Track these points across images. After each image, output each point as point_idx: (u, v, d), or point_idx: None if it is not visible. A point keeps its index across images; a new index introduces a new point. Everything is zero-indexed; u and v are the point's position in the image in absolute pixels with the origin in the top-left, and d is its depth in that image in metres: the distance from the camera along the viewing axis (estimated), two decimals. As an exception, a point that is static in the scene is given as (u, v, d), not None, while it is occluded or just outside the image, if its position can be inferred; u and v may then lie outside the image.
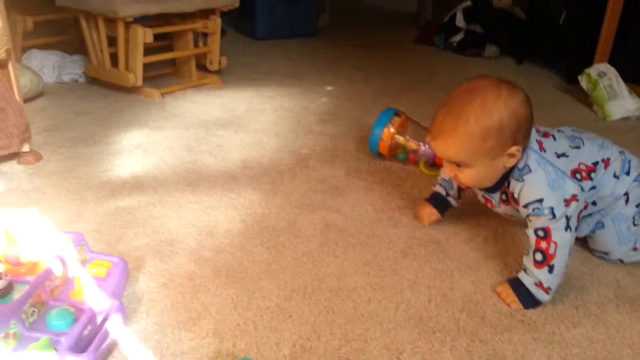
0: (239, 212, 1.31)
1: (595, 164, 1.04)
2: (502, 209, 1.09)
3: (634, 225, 1.08)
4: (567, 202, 0.96)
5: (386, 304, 0.99)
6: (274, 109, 2.10)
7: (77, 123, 1.88)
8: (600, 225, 1.10)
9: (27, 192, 1.37)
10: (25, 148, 1.53)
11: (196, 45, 2.42)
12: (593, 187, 1.05)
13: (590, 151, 1.05)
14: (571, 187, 0.97)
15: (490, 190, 1.07)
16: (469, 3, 3.06)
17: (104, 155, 1.62)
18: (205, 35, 2.42)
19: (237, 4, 2.39)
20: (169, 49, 2.46)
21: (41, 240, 0.93)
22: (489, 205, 1.12)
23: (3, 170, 1.48)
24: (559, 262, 0.95)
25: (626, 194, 1.07)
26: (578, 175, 1.02)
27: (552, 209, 0.95)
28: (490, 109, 0.93)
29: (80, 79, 2.41)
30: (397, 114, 1.58)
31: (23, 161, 1.53)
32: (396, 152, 1.60)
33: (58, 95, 2.19)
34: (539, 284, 0.96)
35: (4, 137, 1.42)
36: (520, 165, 0.99)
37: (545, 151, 1.00)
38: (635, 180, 1.07)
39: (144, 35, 2.07)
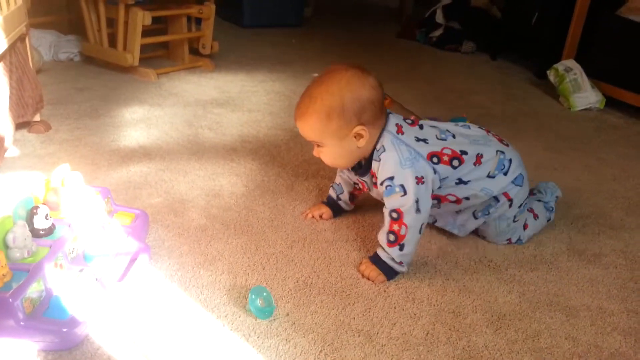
0: (241, 179, 1.45)
1: (464, 152, 1.07)
2: (374, 192, 1.13)
3: (514, 221, 1.16)
4: (418, 180, 1.02)
5: (374, 251, 1.15)
6: (266, 91, 2.24)
7: (78, 98, 1.98)
8: (485, 224, 1.17)
9: (43, 157, 1.49)
10: (37, 118, 1.64)
11: (189, 30, 2.53)
12: (460, 181, 1.08)
13: (459, 143, 1.08)
14: (422, 168, 1.03)
15: (361, 173, 1.12)
16: (448, 1, 3.24)
17: (109, 127, 1.73)
18: (198, 20, 2.53)
19: (230, -9, 2.51)
20: (164, 32, 2.57)
21: (76, 190, 1.05)
22: (365, 189, 1.17)
23: (17, 138, 1.58)
24: (409, 241, 1.03)
25: (510, 200, 1.12)
26: (435, 159, 1.05)
27: (402, 186, 1.01)
28: (333, 90, 1.01)
29: (76, 57, 2.50)
30: (383, 96, 1.73)
31: (34, 130, 1.64)
32: (381, 131, 1.76)
33: (56, 72, 2.28)
34: (393, 259, 1.05)
35: (20, 106, 1.52)
36: (378, 146, 1.05)
37: (403, 134, 1.05)
38: (513, 182, 1.11)
39: (143, 18, 2.17)
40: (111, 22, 2.30)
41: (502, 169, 1.10)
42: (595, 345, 0.94)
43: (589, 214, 1.39)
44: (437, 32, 3.25)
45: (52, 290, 0.88)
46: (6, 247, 0.88)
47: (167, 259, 1.08)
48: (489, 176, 1.10)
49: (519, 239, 1.20)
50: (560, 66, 2.40)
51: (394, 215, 1.03)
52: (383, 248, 1.05)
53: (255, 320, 0.93)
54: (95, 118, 1.80)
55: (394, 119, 1.07)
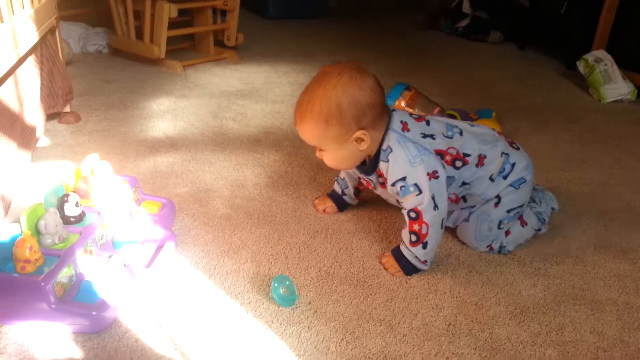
0: (265, 170, 1.46)
1: (467, 155, 1.04)
2: (380, 191, 1.12)
3: (499, 228, 1.09)
4: (430, 176, 0.99)
5: (396, 243, 1.15)
6: (290, 82, 2.24)
7: (107, 90, 2.02)
8: (466, 218, 1.12)
9: (73, 147, 1.53)
10: (67, 109, 1.68)
11: (214, 22, 2.56)
12: (464, 183, 1.06)
13: (465, 142, 1.04)
14: (434, 162, 1.00)
15: (367, 172, 1.09)
16: (476, -10, 3.20)
17: (137, 118, 1.77)
18: (223, 12, 2.55)
19: (255, -17, 2.52)
20: (190, 24, 2.59)
21: (105, 179, 1.08)
22: (370, 187, 1.14)
23: (47, 128, 1.63)
24: (431, 239, 1.01)
25: (498, 196, 1.07)
26: (440, 157, 1.03)
27: (416, 185, 0.99)
28: (329, 95, 0.97)
29: (104, 50, 2.55)
30: (407, 88, 1.73)
31: (64, 121, 1.68)
32: (405, 123, 1.75)
33: (85, 64, 2.33)
34: (417, 258, 1.03)
35: (51, 97, 1.56)
36: (384, 147, 1.02)
37: (408, 130, 1.02)
38: (511, 185, 1.07)
39: (169, 10, 2.20)
40: (138, 15, 2.33)
41: (501, 172, 1.07)
42: (622, 340, 0.92)
43: (617, 208, 1.36)
44: (464, 22, 3.20)
45: (82, 275, 0.91)
46: (38, 233, 0.91)
47: (193, 246, 1.10)
48: (490, 179, 1.06)
49: (501, 247, 1.12)
50: (590, 57, 2.34)
51: (413, 215, 1.01)
52: (407, 246, 1.04)
53: (278, 308, 0.94)
54: (123, 109, 1.84)
55: (398, 117, 1.04)
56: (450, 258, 1.11)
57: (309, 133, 1.02)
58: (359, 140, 1.01)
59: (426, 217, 1.00)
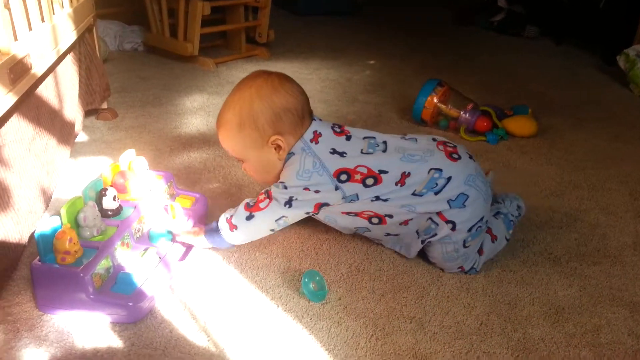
0: (296, 165, 1.47)
1: (383, 172, 0.96)
2: None
3: (465, 247, 1.00)
4: (305, 189, 0.95)
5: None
6: (320, 79, 2.25)
7: (142, 87, 2.07)
8: (429, 244, 1.02)
9: (110, 143, 1.57)
10: (104, 105, 1.72)
11: (246, 19, 2.58)
12: (379, 199, 0.97)
13: (385, 160, 0.97)
14: (322, 181, 0.95)
15: None
16: (512, -16, 3.13)
17: (171, 114, 1.80)
18: (254, 9, 2.57)
19: (286, -20, 2.53)
20: (222, 21, 2.62)
21: (141, 173, 1.11)
22: None
23: (86, 125, 1.68)
24: (258, 219, 0.97)
25: (451, 222, 0.98)
26: (344, 176, 0.95)
27: (286, 186, 0.96)
28: (243, 98, 0.95)
29: (139, 47, 2.60)
30: (440, 83, 1.71)
31: (101, 117, 1.72)
32: (438, 119, 1.73)
33: (121, 62, 2.39)
34: (229, 219, 0.99)
35: (89, 94, 1.61)
36: (290, 151, 0.98)
37: (317, 143, 0.97)
38: (449, 203, 0.97)
39: (202, 8, 2.23)
40: (172, 13, 2.38)
41: (432, 187, 0.97)
42: (662, 343, 0.90)
43: (658, 207, 1.32)
44: (499, 17, 3.14)
45: (120, 267, 0.93)
46: (77, 225, 0.94)
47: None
48: (414, 194, 0.97)
49: (472, 268, 1.03)
50: (631, 51, 2.27)
51: (263, 195, 0.98)
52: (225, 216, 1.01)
53: (308, 302, 0.95)
54: (158, 106, 1.87)
55: (315, 126, 0.98)
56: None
57: (226, 140, 1.00)
58: (277, 147, 0.97)
59: (270, 204, 0.96)
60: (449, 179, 0.97)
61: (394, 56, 2.64)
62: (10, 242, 0.94)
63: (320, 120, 1.02)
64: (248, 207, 0.99)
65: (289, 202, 0.96)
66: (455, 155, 1.01)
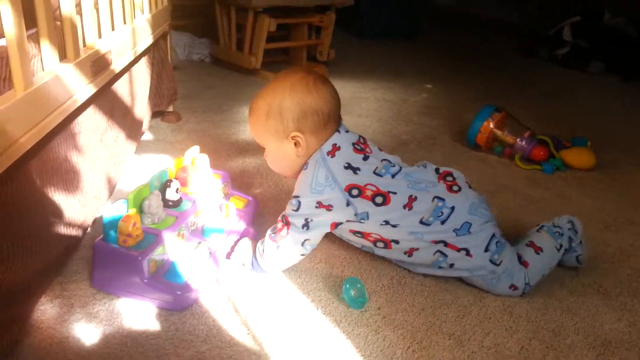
0: (346, 178, 1.49)
1: (393, 192, 0.98)
2: None
3: (497, 265, 0.99)
4: (319, 205, 0.97)
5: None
6: (376, 99, 2.28)
7: (206, 95, 2.17)
8: (467, 278, 1.04)
9: (172, 143, 1.65)
10: (170, 108, 1.82)
11: (309, 37, 2.66)
12: (387, 223, 0.98)
13: (393, 183, 0.99)
14: (334, 196, 0.96)
15: None
16: (578, 18, 3.07)
17: (231, 122, 1.88)
18: (318, 29, 2.65)
19: (351, 1, 2.60)
20: (286, 38, 2.72)
21: (203, 170, 1.17)
22: None
23: (151, 124, 1.77)
24: (285, 247, 0.99)
25: (464, 249, 0.99)
26: (355, 191, 0.97)
27: (299, 202, 0.98)
28: (276, 90, 0.99)
29: (207, 59, 2.73)
30: (497, 109, 1.70)
31: (167, 119, 1.82)
32: (493, 145, 1.72)
33: (189, 71, 2.51)
34: (262, 254, 1.01)
35: (158, 96, 1.71)
36: (307, 161, 1.01)
37: (334, 156, 0.99)
38: (456, 232, 0.98)
39: (269, 24, 2.32)
40: (240, 28, 2.49)
41: (438, 216, 0.98)
42: None
43: None
44: (563, 50, 3.09)
45: (173, 256, 0.98)
46: (141, 212, 1.00)
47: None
48: (422, 222, 0.98)
49: (526, 284, 1.01)
50: None
51: (280, 221, 1.01)
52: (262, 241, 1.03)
53: (348, 309, 0.96)
54: (220, 113, 1.96)
55: (336, 139, 1.00)
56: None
57: (253, 125, 1.04)
58: (296, 142, 1.00)
59: (288, 232, 0.98)
60: (453, 208, 0.99)
61: (452, 82, 2.64)
62: (75, 222, 1.01)
63: (346, 132, 1.03)
64: (272, 238, 1.01)
65: (306, 225, 0.98)
66: (455, 188, 1.03)
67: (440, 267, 1.02)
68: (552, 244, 1.05)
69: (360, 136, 1.05)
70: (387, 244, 1.02)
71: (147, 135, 1.68)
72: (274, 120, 1.00)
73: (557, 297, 1.04)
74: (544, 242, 1.05)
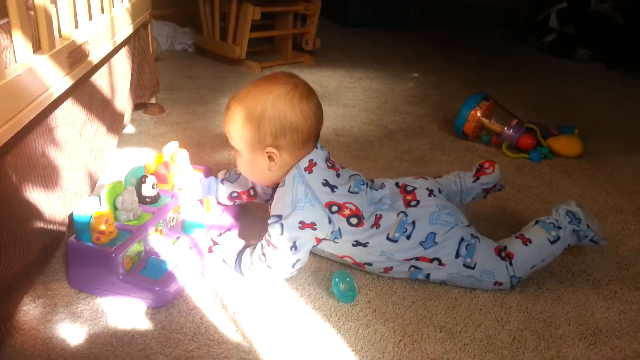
0: (333, 169, 1.47)
1: (363, 216, 0.98)
2: None
3: (472, 268, 0.98)
4: (302, 225, 0.94)
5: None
6: (363, 88, 2.26)
7: (190, 86, 2.12)
8: (444, 283, 1.02)
9: (155, 136, 1.61)
10: (152, 100, 1.78)
11: (294, 26, 2.62)
12: (358, 243, 0.98)
13: (364, 201, 0.99)
14: (316, 214, 0.94)
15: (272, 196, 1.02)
16: (564, 5, 3.06)
17: (215, 113, 1.84)
18: (303, 17, 2.61)
19: (337, -11, 2.56)
20: (271, 27, 2.68)
21: (182, 165, 1.14)
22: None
23: (133, 117, 1.73)
24: (276, 269, 0.96)
25: (435, 259, 0.98)
26: (335, 208, 0.96)
27: (282, 225, 0.94)
28: (258, 97, 0.92)
29: (190, 49, 2.68)
30: (485, 97, 1.69)
31: (149, 112, 1.78)
32: (480, 134, 1.71)
33: (171, 61, 2.46)
34: (250, 268, 0.98)
35: (139, 88, 1.67)
36: (283, 179, 0.97)
37: (311, 172, 0.96)
38: (423, 245, 0.98)
39: (253, 13, 2.28)
40: (223, 17, 2.44)
41: (403, 232, 0.98)
42: None
43: None
44: (550, 37, 3.08)
45: (151, 252, 0.95)
46: (115, 208, 0.97)
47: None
48: (389, 239, 0.98)
49: (512, 277, 0.99)
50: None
51: (265, 243, 0.97)
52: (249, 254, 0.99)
53: (337, 303, 0.95)
54: (203, 104, 1.92)
55: (312, 155, 0.97)
56: (518, 272, 1.07)
57: (229, 124, 0.96)
58: (270, 157, 0.95)
59: (275, 253, 0.95)
60: (414, 223, 0.99)
61: (440, 70, 2.63)
62: (56, 220, 0.98)
63: (321, 148, 1.00)
64: (261, 260, 0.97)
65: (293, 247, 0.95)
66: (413, 203, 1.02)
67: (416, 278, 1.01)
68: (544, 235, 1.01)
69: (328, 151, 1.02)
70: (360, 266, 1.02)
71: (129, 128, 1.64)
72: (250, 128, 0.93)
73: (548, 287, 1.03)
74: (534, 234, 1.02)
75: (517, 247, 1.01)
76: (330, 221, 0.96)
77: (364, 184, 1.02)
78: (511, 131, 1.64)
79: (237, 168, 1.03)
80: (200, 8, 2.46)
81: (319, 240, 0.98)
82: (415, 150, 1.65)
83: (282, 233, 0.94)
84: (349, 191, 0.98)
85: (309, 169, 0.96)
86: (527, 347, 0.88)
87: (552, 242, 1.00)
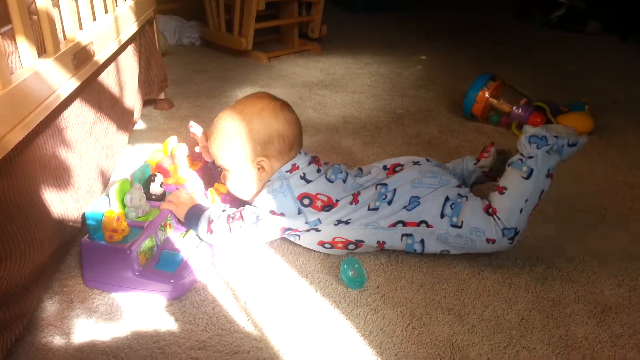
0: (341, 156, 1.48)
1: (338, 200, 1.01)
2: None
3: (459, 227, 0.98)
4: (272, 213, 0.99)
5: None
6: (370, 73, 2.25)
7: (197, 79, 2.14)
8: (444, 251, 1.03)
9: (166, 131, 1.64)
10: (161, 96, 1.80)
11: (299, 15, 2.61)
12: (341, 222, 1.01)
13: (339, 189, 1.02)
14: (287, 205, 0.99)
15: None
16: (573, -22, 3.01)
17: (223, 105, 1.86)
18: (308, 5, 2.60)
19: (341, -25, 2.54)
20: (276, 17, 2.67)
21: (182, 159, 1.16)
22: None
23: (144, 113, 1.76)
24: (233, 235, 1.00)
25: (423, 221, 0.99)
26: (306, 201, 1.00)
27: (255, 206, 1.00)
28: (244, 113, 1.00)
29: (197, 42, 2.69)
30: (492, 78, 1.67)
31: (159, 107, 1.80)
32: (489, 115, 1.70)
33: (179, 55, 2.48)
34: (210, 222, 1.01)
35: (148, 84, 1.69)
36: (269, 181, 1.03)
37: (292, 173, 1.02)
38: (407, 209, 1.00)
39: (257, 3, 2.28)
40: (229, 9, 2.44)
41: (383, 199, 1.00)
42: None
43: None
44: (559, 12, 3.03)
45: (162, 246, 0.98)
46: (124, 206, 0.99)
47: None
48: (370, 209, 1.00)
49: (504, 229, 0.96)
50: None
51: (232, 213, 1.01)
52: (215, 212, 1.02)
53: (346, 289, 0.96)
54: (212, 97, 1.94)
55: (297, 160, 1.03)
56: (528, 252, 1.07)
57: (215, 144, 1.04)
58: (260, 168, 1.02)
59: (241, 225, 0.99)
60: (395, 190, 1.01)
61: (446, 51, 2.60)
62: (70, 218, 1.00)
63: (304, 154, 1.06)
64: (228, 221, 1.01)
65: (255, 222, 0.99)
66: (397, 169, 1.06)
67: (415, 250, 1.02)
68: (517, 175, 0.97)
69: (312, 156, 1.07)
70: (356, 244, 1.03)
71: (139, 125, 1.66)
72: (240, 142, 1.01)
73: (557, 266, 1.04)
74: (508, 180, 0.99)
75: (496, 199, 0.98)
76: (300, 212, 1.00)
77: (341, 172, 1.05)
78: (520, 110, 1.62)
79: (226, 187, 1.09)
80: (205, 1, 2.46)
81: (282, 232, 1.02)
82: (424, 134, 1.64)
83: (254, 207, 1.01)
84: (325, 178, 1.02)
85: (291, 171, 1.02)
86: (536, 327, 0.89)
87: (527, 178, 0.96)
